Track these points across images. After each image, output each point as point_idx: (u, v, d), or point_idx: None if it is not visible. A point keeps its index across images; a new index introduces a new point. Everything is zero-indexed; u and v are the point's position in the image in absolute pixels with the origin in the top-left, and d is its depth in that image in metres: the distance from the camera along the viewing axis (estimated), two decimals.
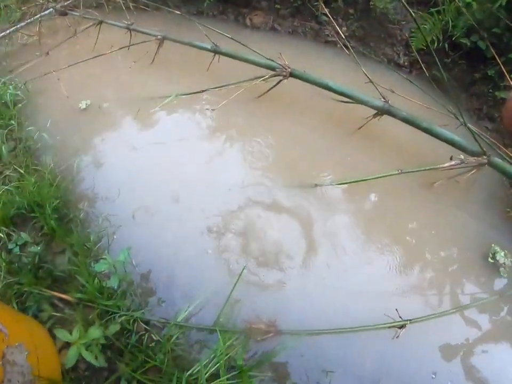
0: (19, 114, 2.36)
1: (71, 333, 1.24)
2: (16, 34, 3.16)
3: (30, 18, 3.14)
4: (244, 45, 2.07)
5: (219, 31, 2.15)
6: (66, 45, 2.88)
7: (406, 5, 1.83)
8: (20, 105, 2.42)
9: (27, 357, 1.10)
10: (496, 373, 1.51)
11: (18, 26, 3.09)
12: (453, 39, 2.32)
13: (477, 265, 1.79)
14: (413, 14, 2.34)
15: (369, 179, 1.82)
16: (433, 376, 1.48)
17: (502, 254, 1.78)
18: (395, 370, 1.47)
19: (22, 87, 2.55)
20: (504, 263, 1.77)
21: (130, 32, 2.59)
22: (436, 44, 2.32)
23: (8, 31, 3.04)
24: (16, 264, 1.60)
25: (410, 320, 1.49)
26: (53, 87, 2.50)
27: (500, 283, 1.75)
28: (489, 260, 1.80)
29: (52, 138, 2.18)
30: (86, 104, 2.34)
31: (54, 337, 1.34)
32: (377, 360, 1.47)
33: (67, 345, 1.34)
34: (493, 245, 1.82)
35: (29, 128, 2.21)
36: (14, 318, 1.27)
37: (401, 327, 1.48)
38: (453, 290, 1.72)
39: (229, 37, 2.09)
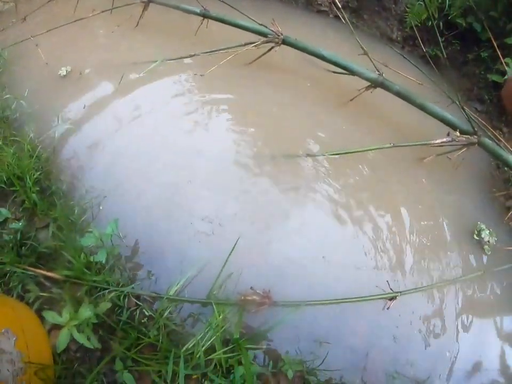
0: None
1: (60, 314, 1.18)
2: None
3: None
4: (234, 8, 1.96)
5: None
6: (44, 10, 2.65)
7: None
8: None
9: (15, 343, 1.05)
10: (476, 347, 1.57)
11: None
12: (449, 18, 2.28)
13: (462, 242, 1.83)
14: None
15: (362, 151, 1.81)
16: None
17: (487, 232, 1.83)
18: (385, 340, 1.50)
19: None
20: (488, 241, 1.81)
21: None
22: (430, 21, 2.28)
23: None
24: None
25: (400, 292, 1.51)
26: (31, 54, 2.32)
27: (484, 260, 1.80)
28: (475, 237, 1.84)
29: (31, 107, 2.03)
30: (66, 70, 2.18)
31: (42, 318, 1.29)
32: (368, 331, 1.50)
33: (56, 326, 1.28)
34: (478, 222, 1.86)
35: (6, 96, 2.05)
36: None
37: (392, 298, 1.50)
38: (439, 265, 1.75)
39: (220, 0, 1.97)
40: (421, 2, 2.28)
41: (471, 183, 2.03)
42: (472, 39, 2.30)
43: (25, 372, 1.04)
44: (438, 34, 1.73)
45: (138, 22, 2.32)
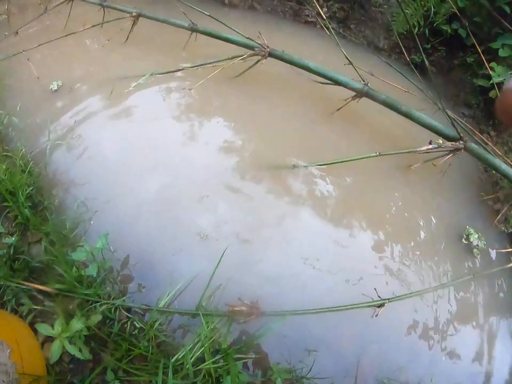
0: None
1: (52, 327, 1.22)
2: None
3: None
4: (222, 23, 2.01)
5: (197, 9, 2.08)
6: (36, 23, 2.72)
7: None
8: None
9: (10, 354, 1.09)
10: (468, 349, 1.61)
11: None
12: (434, 25, 2.35)
13: (451, 247, 1.87)
14: None
15: (348, 160, 1.85)
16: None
17: (476, 236, 1.87)
18: (375, 347, 1.54)
19: None
20: (477, 245, 1.85)
21: (103, 9, 2.47)
22: (416, 29, 2.34)
23: None
24: None
25: (388, 299, 1.55)
26: (22, 68, 2.38)
27: (473, 264, 1.84)
28: (463, 241, 1.88)
29: (23, 122, 2.08)
30: (58, 85, 2.23)
31: (35, 331, 1.32)
32: (358, 338, 1.54)
33: (50, 338, 1.32)
34: (467, 226, 1.90)
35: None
36: None
37: (380, 306, 1.54)
38: (428, 270, 1.79)
39: (207, 15, 2.03)
40: (407, 11, 2.34)
41: (459, 187, 2.08)
42: (457, 45, 2.37)
43: (19, 383, 1.07)
44: (418, 42, 1.77)
45: (128, 36, 2.37)
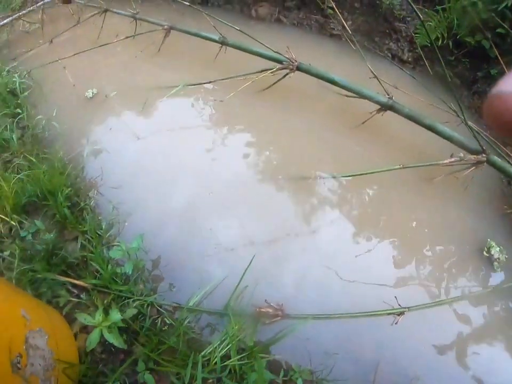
0: (25, 103, 2.41)
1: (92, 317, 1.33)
2: (18, 22, 3.17)
3: (31, 6, 3.15)
4: (252, 37, 2.12)
5: (226, 23, 2.20)
6: (69, 33, 2.91)
7: (410, 2, 1.92)
8: (25, 93, 2.47)
9: (47, 341, 1.17)
10: (485, 364, 1.62)
11: (20, 13, 3.09)
12: (457, 37, 2.39)
13: (472, 259, 1.90)
14: (419, 11, 2.43)
15: (373, 172, 1.92)
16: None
17: (497, 249, 1.89)
18: (394, 354, 1.59)
19: (26, 75, 2.59)
20: (498, 258, 1.88)
21: (136, 21, 2.63)
22: (440, 41, 2.39)
23: (10, 18, 3.05)
24: (29, 252, 1.68)
25: (408, 307, 1.60)
26: (58, 76, 2.55)
27: (494, 277, 1.87)
28: (484, 253, 1.91)
29: (60, 126, 2.24)
30: (93, 92, 2.39)
31: (69, 322, 1.44)
32: (377, 345, 1.59)
33: (83, 329, 1.44)
34: (488, 239, 1.93)
35: (38, 117, 2.26)
36: (33, 303, 1.34)
37: (400, 314, 1.59)
38: (448, 282, 1.83)
39: (237, 29, 2.15)
40: (430, 23, 2.40)
41: (482, 200, 2.11)
42: (481, 57, 2.40)
43: (54, 368, 1.15)
44: (439, 55, 1.84)
45: (160, 48, 2.52)
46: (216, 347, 1.31)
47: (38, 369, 1.08)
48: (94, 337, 1.21)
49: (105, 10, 2.74)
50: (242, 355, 1.34)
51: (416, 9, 1.79)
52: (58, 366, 1.19)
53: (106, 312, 1.31)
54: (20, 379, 0.96)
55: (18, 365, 0.95)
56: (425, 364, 1.61)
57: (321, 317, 1.52)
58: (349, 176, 1.98)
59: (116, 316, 1.24)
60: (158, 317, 1.47)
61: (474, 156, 1.96)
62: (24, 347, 1.04)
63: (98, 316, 1.23)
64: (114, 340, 1.22)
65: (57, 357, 1.19)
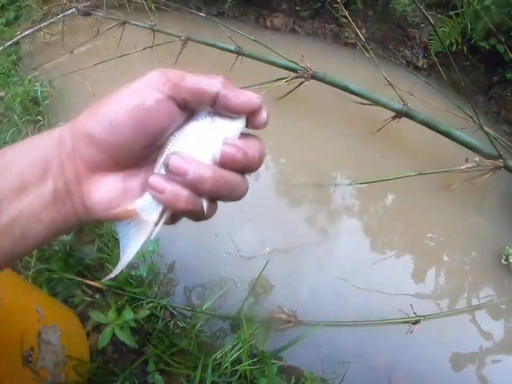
0: (46, 111, 2.48)
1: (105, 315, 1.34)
2: (39, 33, 3.30)
3: (52, 18, 3.27)
4: (267, 47, 2.15)
5: (242, 33, 2.23)
6: (89, 45, 3.00)
7: (423, 10, 1.91)
8: (46, 101, 2.55)
9: (60, 337, 1.16)
10: (504, 376, 1.56)
11: (41, 25, 3.21)
12: (472, 42, 2.36)
13: (490, 267, 1.84)
14: (432, 17, 2.41)
15: (389, 179, 1.88)
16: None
17: None
18: (408, 364, 1.54)
19: (47, 84, 2.68)
20: None
21: (153, 32, 2.70)
22: (454, 46, 2.37)
23: (31, 30, 3.17)
24: (46, 252, 1.71)
25: (424, 316, 1.55)
26: (78, 85, 2.62)
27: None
28: (502, 261, 1.85)
29: None
30: None
31: (82, 322, 1.46)
32: (392, 354, 1.55)
33: (96, 329, 1.45)
34: (507, 247, 1.87)
35: (59, 124, 2.32)
36: (48, 301, 1.35)
37: (415, 322, 1.54)
38: (465, 291, 1.78)
39: (252, 39, 2.17)
40: (444, 29, 2.38)
41: (499, 206, 2.05)
42: (496, 61, 2.36)
43: (65, 364, 1.15)
44: (452, 60, 1.81)
45: (177, 59, 2.57)
46: (227, 351, 1.29)
47: (49, 363, 1.08)
48: (106, 334, 1.21)
49: (124, 23, 2.81)
50: (254, 360, 1.31)
51: (428, 17, 1.79)
52: (69, 363, 1.18)
53: (119, 312, 1.32)
54: (30, 371, 0.97)
55: (29, 357, 0.96)
56: (440, 375, 1.55)
57: (334, 324, 1.48)
58: (365, 183, 1.95)
59: (128, 315, 1.24)
60: (171, 320, 1.46)
61: (491, 161, 1.92)
62: (37, 341, 1.03)
63: (111, 314, 1.24)
64: (126, 338, 1.22)
65: (68, 354, 1.18)
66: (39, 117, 2.41)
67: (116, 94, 0.36)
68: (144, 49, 2.57)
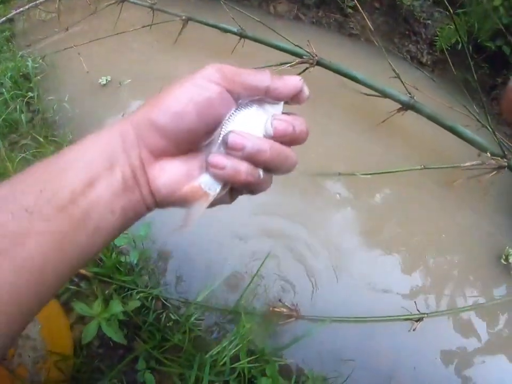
0: (37, 87, 2.28)
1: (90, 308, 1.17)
2: (34, 11, 3.07)
3: None
4: (272, 29, 1.99)
5: (247, 13, 2.07)
6: (85, 22, 2.80)
7: None
8: (38, 77, 2.34)
9: (40, 330, 1.03)
10: (507, 372, 1.48)
11: (37, 2, 2.98)
12: (478, 41, 2.27)
13: (489, 266, 1.76)
14: (439, 13, 2.30)
15: (393, 171, 1.78)
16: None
17: None
18: (410, 363, 1.44)
19: (40, 61, 2.47)
20: None
21: (153, 11, 2.50)
22: (460, 45, 2.27)
23: (26, 7, 2.94)
24: None
25: (427, 313, 1.45)
26: (72, 62, 2.42)
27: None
28: (502, 261, 1.77)
29: (71, 111, 2.10)
30: (106, 80, 2.26)
31: (67, 311, 1.28)
32: (394, 352, 1.44)
33: (80, 320, 1.28)
34: (507, 247, 1.79)
35: (49, 98, 2.13)
36: None
37: (418, 320, 1.44)
38: (464, 289, 1.68)
39: (257, 20, 2.01)
40: (451, 26, 2.28)
41: (500, 207, 1.96)
42: (501, 63, 2.28)
43: (46, 361, 1.01)
44: (469, 57, 1.71)
45: (177, 39, 2.38)
46: (224, 347, 1.15)
47: (27, 360, 0.95)
48: (90, 329, 1.04)
49: (122, 1, 2.60)
50: (252, 357, 1.17)
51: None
52: (51, 359, 1.04)
53: (106, 303, 1.14)
54: (5, 370, 0.82)
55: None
56: (441, 374, 1.45)
57: (337, 319, 1.36)
58: (368, 174, 1.83)
59: (116, 307, 1.07)
60: (163, 312, 1.30)
61: (496, 159, 1.83)
62: None
63: (97, 306, 1.06)
64: (113, 333, 1.05)
65: (50, 349, 1.04)
66: (29, 93, 2.20)
67: (178, 87, 0.38)
68: (142, 27, 2.38)
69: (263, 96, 0.40)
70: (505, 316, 1.63)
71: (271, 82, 0.39)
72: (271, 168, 0.40)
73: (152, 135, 0.38)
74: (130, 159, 0.38)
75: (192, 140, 0.39)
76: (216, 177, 0.39)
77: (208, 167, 0.38)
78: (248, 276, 1.42)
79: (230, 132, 0.38)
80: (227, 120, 0.39)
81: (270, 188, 0.44)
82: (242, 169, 0.38)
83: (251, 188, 0.41)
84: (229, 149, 0.37)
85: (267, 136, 0.39)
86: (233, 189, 0.42)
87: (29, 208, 0.32)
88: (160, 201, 0.40)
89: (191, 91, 0.38)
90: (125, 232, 1.41)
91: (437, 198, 1.93)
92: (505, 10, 2.17)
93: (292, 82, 0.41)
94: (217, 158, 0.38)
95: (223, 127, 0.39)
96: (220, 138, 0.39)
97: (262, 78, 0.39)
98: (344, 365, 1.33)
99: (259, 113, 0.40)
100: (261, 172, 0.39)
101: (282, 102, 0.42)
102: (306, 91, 0.43)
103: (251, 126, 0.39)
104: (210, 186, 0.40)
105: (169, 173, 0.39)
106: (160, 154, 0.38)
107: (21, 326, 0.34)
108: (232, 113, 0.40)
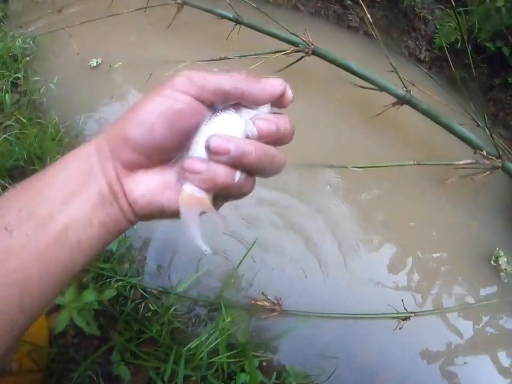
0: (26, 68, 2.17)
1: (63, 295, 1.09)
2: None
3: None
4: (269, 16, 1.91)
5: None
6: (80, 6, 2.69)
7: None
8: (27, 58, 2.23)
9: None
10: (486, 375, 1.45)
11: None
12: (478, 41, 2.21)
13: (478, 267, 1.71)
14: (440, 11, 2.22)
15: (385, 166, 1.72)
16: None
17: (505, 259, 1.70)
18: (394, 362, 1.39)
19: (31, 42, 2.36)
20: (505, 269, 1.68)
21: None
22: (459, 43, 2.21)
23: None
24: None
25: (415, 312, 1.40)
26: (63, 44, 2.32)
27: (500, 287, 1.67)
28: (492, 262, 1.72)
29: (59, 93, 2.01)
30: (97, 62, 2.16)
31: None
32: (378, 350, 1.39)
33: (57, 308, 1.20)
34: (497, 248, 1.73)
35: (36, 78, 2.03)
36: None
37: (405, 319, 1.39)
38: (452, 289, 1.64)
39: (253, 6, 1.93)
40: (451, 24, 2.21)
41: (492, 208, 1.91)
42: (500, 64, 2.22)
43: (17, 351, 0.94)
44: (469, 56, 1.65)
45: (171, 23, 2.29)
46: (203, 341, 1.08)
47: None
48: (62, 319, 0.96)
49: None
50: (232, 352, 1.11)
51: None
52: (23, 348, 0.97)
53: (80, 291, 1.07)
54: None
55: None
56: (425, 372, 1.41)
57: (321, 315, 1.30)
58: (359, 167, 1.76)
59: (89, 296, 0.99)
60: (142, 302, 1.23)
61: (491, 158, 1.78)
62: None
63: (69, 295, 0.99)
64: (84, 324, 0.97)
65: (23, 338, 0.96)
66: (18, 74, 2.10)
67: (148, 100, 0.37)
68: (137, 10, 2.28)
69: (241, 101, 0.38)
70: (492, 317, 1.59)
71: (246, 86, 0.37)
72: (258, 170, 0.38)
73: (124, 149, 0.37)
74: (106, 173, 0.37)
75: (165, 152, 0.38)
76: (194, 182, 0.37)
77: (184, 173, 0.37)
78: (233, 267, 1.35)
79: (211, 135, 0.36)
80: (204, 126, 0.38)
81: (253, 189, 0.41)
82: (220, 172, 0.36)
83: (232, 192, 0.39)
84: (213, 154, 0.35)
85: (251, 138, 0.37)
86: (215, 196, 0.40)
87: (8, 226, 0.33)
88: (139, 213, 0.39)
89: (161, 103, 0.37)
90: None
91: (429, 195, 1.88)
92: (507, 11, 2.11)
93: (270, 86, 0.39)
94: (192, 162, 0.36)
95: (201, 132, 0.38)
96: (197, 145, 0.37)
97: (235, 83, 0.37)
98: (327, 362, 1.27)
99: (236, 118, 0.38)
100: (239, 174, 0.37)
101: (266, 105, 0.39)
102: (289, 94, 0.41)
103: (234, 128, 0.37)
104: (195, 192, 0.38)
105: (144, 185, 0.38)
106: (134, 167, 0.38)
107: (7, 341, 0.33)
108: (208, 120, 0.38)
